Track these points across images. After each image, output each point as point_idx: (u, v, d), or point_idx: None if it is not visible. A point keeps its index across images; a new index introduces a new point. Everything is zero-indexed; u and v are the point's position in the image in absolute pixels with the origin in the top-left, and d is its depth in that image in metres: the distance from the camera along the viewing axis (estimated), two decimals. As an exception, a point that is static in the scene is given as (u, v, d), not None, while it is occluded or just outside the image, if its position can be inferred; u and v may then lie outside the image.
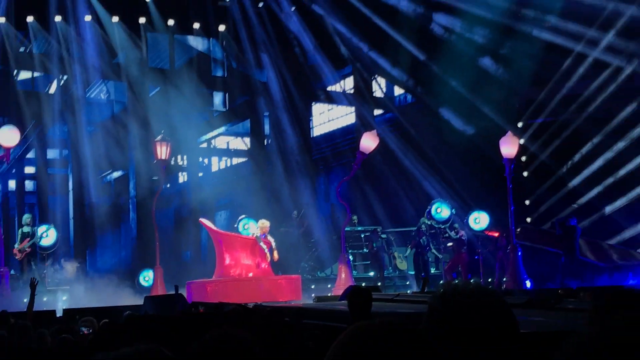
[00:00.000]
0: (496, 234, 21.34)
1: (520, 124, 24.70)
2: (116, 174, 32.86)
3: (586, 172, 22.90)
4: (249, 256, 19.60)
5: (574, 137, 23.22)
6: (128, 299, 20.01)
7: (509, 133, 20.49)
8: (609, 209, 22.70)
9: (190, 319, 11.76)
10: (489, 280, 21.88)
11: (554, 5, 22.35)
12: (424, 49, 25.69)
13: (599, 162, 22.63)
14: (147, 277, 23.85)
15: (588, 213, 22.76)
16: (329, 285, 22.16)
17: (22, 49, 27.21)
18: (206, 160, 35.91)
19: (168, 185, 29.34)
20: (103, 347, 7.91)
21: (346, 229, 22.97)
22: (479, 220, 22.46)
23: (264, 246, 19.47)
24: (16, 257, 21.81)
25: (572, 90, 23.30)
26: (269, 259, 19.60)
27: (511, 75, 23.76)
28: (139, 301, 17.56)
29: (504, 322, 2.08)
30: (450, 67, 24.69)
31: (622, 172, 22.34)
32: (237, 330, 2.84)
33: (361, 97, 30.95)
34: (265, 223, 19.88)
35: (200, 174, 33.54)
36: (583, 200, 22.94)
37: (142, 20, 27.73)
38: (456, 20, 24.50)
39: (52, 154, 30.59)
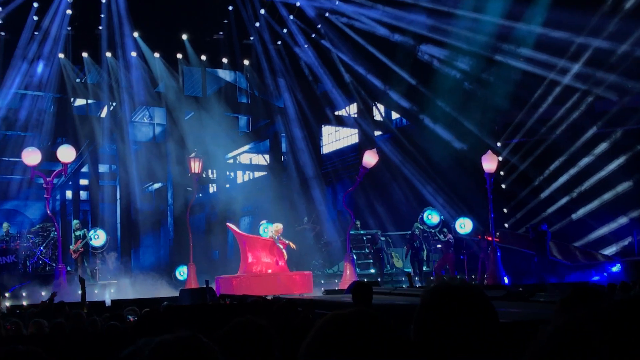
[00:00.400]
0: (489, 238, 21.30)
1: (499, 143, 24.67)
2: (156, 185, 32.91)
3: (556, 185, 22.84)
4: (268, 255, 19.57)
5: (545, 154, 23.19)
6: (166, 291, 20.01)
7: (489, 151, 20.45)
8: (575, 215, 22.63)
9: (218, 308, 11.76)
10: (473, 276, 21.80)
11: (528, 39, 22.27)
12: (416, 76, 25.69)
13: (566, 176, 22.58)
14: (182, 272, 23.86)
15: (558, 219, 22.70)
16: (336, 280, 22.07)
17: (77, 80, 27.36)
18: (232, 174, 35.93)
19: (200, 195, 29.38)
20: (145, 332, 7.90)
21: (350, 232, 22.92)
22: (464, 225, 22.40)
23: (281, 246, 19.49)
24: (72, 256, 21.88)
25: (544, 114, 23.28)
26: (285, 257, 19.62)
27: (491, 99, 23.72)
28: (175, 293, 17.53)
29: (485, 313, 2.08)
30: (440, 91, 24.68)
31: (586, 184, 22.32)
32: (258, 318, 2.85)
33: (364, 120, 30.97)
34: (278, 226, 19.92)
35: (227, 185, 33.54)
36: (553, 208, 22.86)
37: (179, 55, 27.91)
38: (442, 50, 24.47)
39: (102, 168, 30.69)
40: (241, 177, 37.78)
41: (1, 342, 7.71)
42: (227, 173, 34.12)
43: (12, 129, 26.31)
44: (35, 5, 24.39)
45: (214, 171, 32.73)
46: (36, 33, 25.25)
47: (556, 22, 20.72)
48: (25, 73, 25.45)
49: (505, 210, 24.20)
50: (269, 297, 14.51)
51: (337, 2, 25.65)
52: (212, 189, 35.06)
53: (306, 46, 28.26)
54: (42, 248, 22.32)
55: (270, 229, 22.90)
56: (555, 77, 22.39)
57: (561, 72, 22.18)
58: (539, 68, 22.43)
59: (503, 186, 24.16)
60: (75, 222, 22.65)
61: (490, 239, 20.35)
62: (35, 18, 24.75)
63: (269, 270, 19.36)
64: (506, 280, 19.71)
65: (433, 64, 25.00)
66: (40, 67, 25.79)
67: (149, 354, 2.11)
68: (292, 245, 19.80)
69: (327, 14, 26.64)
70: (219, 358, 2.14)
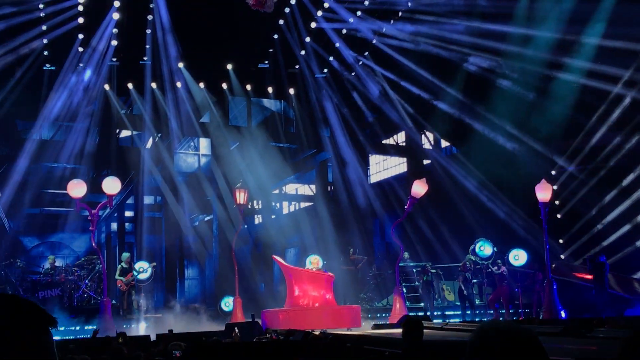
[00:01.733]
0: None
1: (553, 172, 24.13)
2: (202, 217, 32.97)
3: (614, 214, 22.22)
4: (315, 288, 19.35)
5: (603, 182, 22.62)
6: (211, 325, 19.83)
7: (543, 180, 19.99)
8: (632, 247, 21.97)
9: (265, 344, 11.53)
10: (527, 310, 21.24)
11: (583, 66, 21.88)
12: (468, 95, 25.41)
13: (626, 204, 21.96)
14: (227, 303, 23.72)
15: (616, 250, 22.03)
16: (385, 315, 21.70)
17: (122, 111, 27.62)
18: (278, 205, 35.90)
19: (245, 226, 29.26)
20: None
21: (400, 264, 22.57)
22: (518, 257, 21.89)
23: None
24: (121, 289, 21.84)
25: (601, 141, 22.73)
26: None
27: (546, 125, 23.27)
28: (221, 327, 17.37)
29: (536, 356, 2.04)
30: (493, 115, 24.31)
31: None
32: None
33: (412, 149, 30.69)
34: (315, 258, 20.04)
35: (273, 216, 33.46)
36: (611, 238, 22.23)
37: (224, 85, 28.01)
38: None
39: (148, 200, 30.88)
40: (287, 207, 37.67)
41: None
42: (273, 204, 34.05)
43: (58, 161, 26.61)
44: (80, 36, 24.68)
45: (260, 202, 32.67)
46: (81, 65, 25.57)
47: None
48: (69, 105, 25.78)
49: (561, 241, 23.61)
50: (317, 332, 14.20)
51: (391, 22, 25.44)
52: (258, 220, 35.02)
53: (353, 74, 28.12)
54: (87, 281, 22.39)
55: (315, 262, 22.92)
56: (610, 105, 21.92)
57: (616, 99, 21.71)
58: (593, 96, 22.01)
59: (558, 216, 23.57)
60: (125, 255, 22.59)
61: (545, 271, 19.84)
62: (80, 49, 25.05)
63: (316, 304, 19.11)
64: (563, 314, 19.13)
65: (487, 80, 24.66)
66: (84, 99, 26.11)
67: None
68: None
69: (374, 41, 26.48)
70: None
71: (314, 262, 19.79)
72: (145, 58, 26.30)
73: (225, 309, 23.79)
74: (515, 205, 23.89)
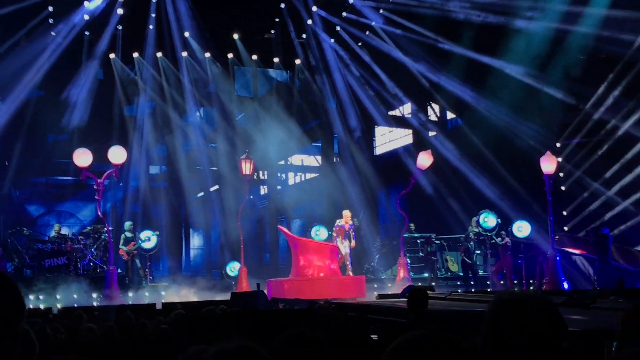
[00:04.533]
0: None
1: (558, 144, 24.23)
2: (208, 186, 33.17)
3: (618, 186, 22.33)
4: (320, 258, 19.64)
5: (607, 154, 22.68)
6: (217, 294, 20.12)
7: (548, 152, 20.18)
8: (636, 220, 22.11)
9: (271, 314, 11.79)
10: (531, 281, 21.50)
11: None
12: (472, 80, 25.35)
13: (630, 177, 22.06)
14: (233, 268, 24.06)
15: (620, 222, 22.20)
16: (390, 285, 22.00)
17: (131, 76, 27.74)
18: (284, 175, 36.09)
19: (251, 197, 29.53)
20: (198, 338, 7.97)
21: (404, 235, 22.84)
22: (522, 228, 22.10)
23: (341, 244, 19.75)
24: (123, 258, 22.17)
25: (607, 113, 22.76)
26: (353, 244, 20.34)
27: (550, 97, 23.32)
28: (226, 296, 17.59)
29: (554, 321, 2.12)
30: (496, 88, 24.29)
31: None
32: (313, 329, 2.87)
33: (417, 121, 30.77)
34: (347, 212, 20.54)
35: (279, 187, 33.68)
36: (615, 210, 22.36)
37: (230, 55, 28.09)
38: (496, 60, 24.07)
39: (153, 169, 31.10)
40: (292, 178, 37.88)
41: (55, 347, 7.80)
42: (279, 174, 34.25)
43: (62, 133, 26.86)
44: (87, 4, 24.73)
45: (265, 173, 32.88)
46: (87, 33, 25.67)
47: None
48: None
49: (564, 212, 23.78)
50: (321, 301, 14.51)
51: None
52: (263, 190, 35.24)
53: (359, 44, 28.14)
54: (93, 250, 22.67)
55: (322, 232, 23.21)
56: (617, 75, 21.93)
57: (624, 68, 21.70)
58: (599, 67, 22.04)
59: (563, 188, 23.73)
60: (128, 224, 22.87)
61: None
62: (86, 17, 25.13)
63: (321, 274, 19.44)
64: (566, 285, 19.40)
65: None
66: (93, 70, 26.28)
67: None
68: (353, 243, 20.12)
69: (381, 10, 26.48)
70: None
71: (347, 216, 20.47)
72: (150, 26, 26.36)
73: (231, 273, 24.13)
74: (520, 176, 24.02)
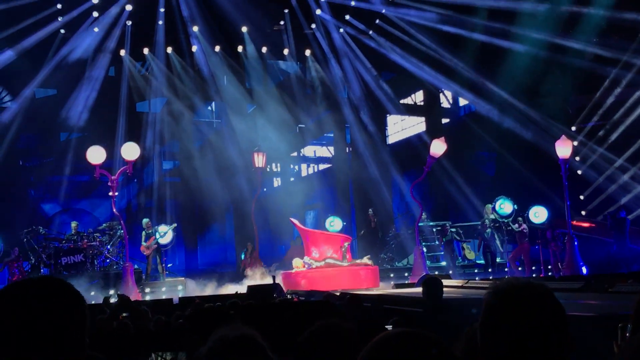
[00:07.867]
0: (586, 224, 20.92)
1: (573, 128, 24.04)
2: (221, 180, 33.18)
3: (635, 169, 22.14)
4: (333, 250, 19.63)
5: (624, 137, 22.49)
6: (234, 287, 20.12)
7: (563, 136, 19.98)
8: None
9: (286, 307, 11.75)
10: (549, 267, 21.35)
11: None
12: (484, 64, 25.13)
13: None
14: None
15: (638, 205, 22.02)
16: (406, 274, 21.93)
17: (142, 73, 27.79)
18: (296, 167, 36.06)
19: (265, 189, 29.50)
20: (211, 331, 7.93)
21: (419, 224, 22.74)
22: (538, 214, 21.95)
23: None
24: (144, 254, 22.23)
25: (622, 95, 22.54)
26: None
27: (564, 84, 23.11)
28: (243, 289, 17.59)
29: (553, 312, 2.08)
30: (509, 71, 24.05)
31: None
32: (344, 321, 2.87)
33: (430, 108, 30.64)
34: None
35: (292, 179, 33.63)
36: (633, 194, 22.18)
37: (239, 49, 28.03)
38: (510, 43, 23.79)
39: (167, 165, 31.15)
40: (305, 170, 37.83)
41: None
42: (291, 166, 34.21)
43: (76, 131, 26.93)
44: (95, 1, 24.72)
45: (278, 165, 32.85)
46: (96, 29, 25.64)
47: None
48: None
49: (581, 197, 23.60)
50: (337, 293, 14.46)
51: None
52: (277, 182, 35.22)
53: (370, 32, 27.95)
54: (109, 247, 22.75)
55: (337, 223, 23.16)
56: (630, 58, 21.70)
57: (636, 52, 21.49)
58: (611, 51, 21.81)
59: (579, 172, 23.54)
60: (145, 221, 22.90)
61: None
62: (95, 14, 25.12)
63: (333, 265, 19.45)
64: (584, 270, 19.26)
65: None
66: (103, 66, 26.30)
67: (207, 351, 2.26)
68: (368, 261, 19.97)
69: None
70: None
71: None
72: (160, 22, 26.33)
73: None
74: (536, 161, 23.84)
